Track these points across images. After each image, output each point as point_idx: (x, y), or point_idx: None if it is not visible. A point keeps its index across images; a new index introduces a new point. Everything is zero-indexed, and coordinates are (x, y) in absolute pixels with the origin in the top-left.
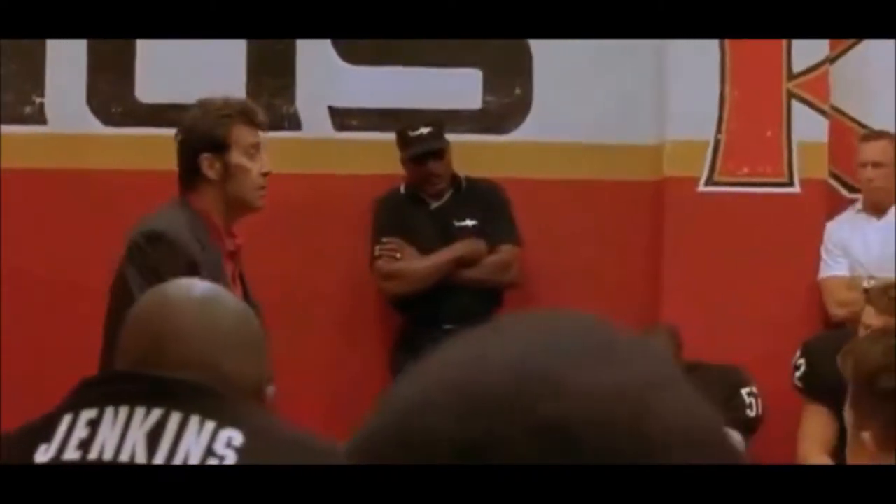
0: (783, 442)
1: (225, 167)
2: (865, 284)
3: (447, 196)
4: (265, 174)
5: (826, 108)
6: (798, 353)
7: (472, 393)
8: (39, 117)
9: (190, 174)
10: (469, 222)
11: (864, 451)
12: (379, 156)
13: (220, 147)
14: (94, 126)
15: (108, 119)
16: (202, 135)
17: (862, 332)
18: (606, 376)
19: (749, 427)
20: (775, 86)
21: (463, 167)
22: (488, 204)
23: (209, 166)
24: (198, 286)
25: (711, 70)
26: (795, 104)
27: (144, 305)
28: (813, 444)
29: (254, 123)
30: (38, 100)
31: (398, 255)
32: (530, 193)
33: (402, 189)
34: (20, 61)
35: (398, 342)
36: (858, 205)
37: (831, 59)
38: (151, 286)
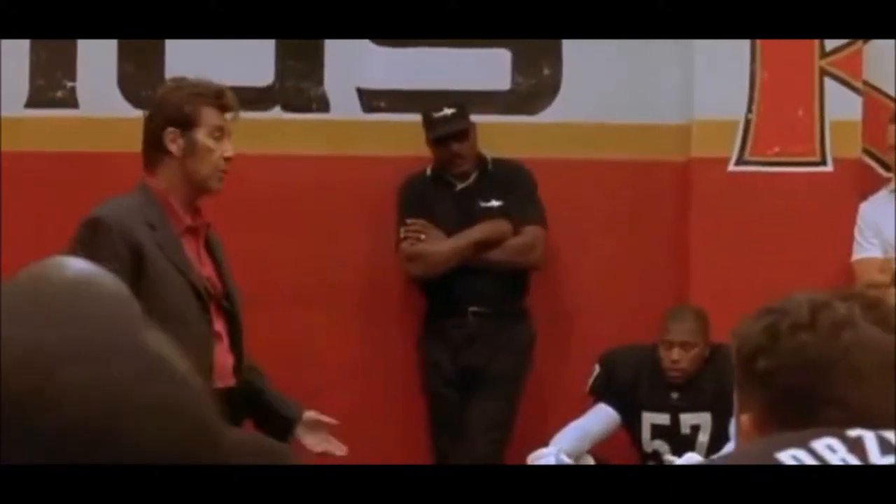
0: None
1: (188, 144)
2: None
3: (473, 177)
4: (227, 158)
5: (859, 85)
6: None
7: None
8: (71, 101)
9: (153, 150)
10: (494, 203)
11: (744, 435)
12: (407, 137)
13: (186, 123)
14: (125, 109)
15: (138, 102)
16: (170, 109)
17: None
18: (23, 341)
19: None
20: (807, 63)
21: (492, 148)
22: (513, 185)
23: (172, 140)
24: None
25: (741, 48)
26: (828, 82)
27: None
28: None
29: (223, 107)
30: (69, 84)
31: (422, 237)
32: (558, 174)
33: (429, 171)
34: (51, 46)
35: (425, 328)
36: (892, 185)
37: None
38: None
